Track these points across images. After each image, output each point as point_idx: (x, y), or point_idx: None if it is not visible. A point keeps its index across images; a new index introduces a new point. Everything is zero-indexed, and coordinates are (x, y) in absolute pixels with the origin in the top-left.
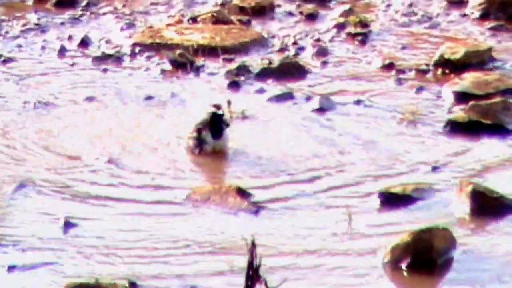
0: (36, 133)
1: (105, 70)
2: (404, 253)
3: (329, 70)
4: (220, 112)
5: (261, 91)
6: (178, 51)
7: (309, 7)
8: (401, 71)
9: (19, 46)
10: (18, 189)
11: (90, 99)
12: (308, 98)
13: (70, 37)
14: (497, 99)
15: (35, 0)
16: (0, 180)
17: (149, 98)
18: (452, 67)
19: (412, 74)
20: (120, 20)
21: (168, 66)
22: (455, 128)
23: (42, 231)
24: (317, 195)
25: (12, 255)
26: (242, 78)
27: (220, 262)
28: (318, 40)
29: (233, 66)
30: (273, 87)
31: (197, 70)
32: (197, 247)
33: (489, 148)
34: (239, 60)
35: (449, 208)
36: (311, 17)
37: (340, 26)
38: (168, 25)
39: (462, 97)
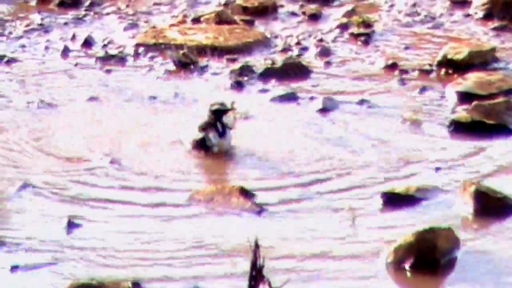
0: (39, 133)
1: (108, 71)
2: (408, 253)
3: (332, 70)
4: (223, 108)
5: (264, 91)
6: (181, 51)
7: (312, 7)
8: (404, 71)
9: (23, 46)
10: (21, 189)
11: (93, 99)
12: (312, 98)
13: (73, 37)
14: (500, 99)
15: (39, 0)
16: (3, 181)
17: (152, 98)
18: (455, 67)
19: (415, 74)
20: (123, 21)
21: (171, 66)
22: (458, 128)
23: (45, 231)
24: (321, 195)
25: (14, 255)
26: (245, 78)
27: (224, 264)
28: (321, 40)
29: (236, 66)
30: (276, 87)
31: (201, 70)
32: (200, 249)
33: (492, 148)
34: (242, 60)
35: (452, 209)
36: (314, 17)
37: (343, 26)
38: (171, 25)
39: (465, 97)
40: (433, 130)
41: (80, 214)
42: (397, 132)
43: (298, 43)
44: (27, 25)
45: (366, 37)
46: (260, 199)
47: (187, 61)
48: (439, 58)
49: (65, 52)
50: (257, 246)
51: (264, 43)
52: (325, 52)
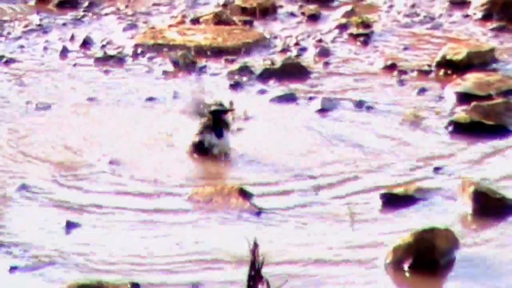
0: (37, 133)
1: (107, 71)
2: (406, 253)
3: (331, 70)
4: (222, 108)
5: (263, 92)
6: (180, 52)
7: (311, 8)
8: (403, 72)
9: (21, 47)
10: (20, 190)
11: (91, 99)
12: (310, 99)
13: (72, 38)
14: (499, 100)
15: (37, 1)
16: (2, 181)
17: (151, 99)
18: (454, 67)
19: (414, 74)
20: (122, 21)
21: (170, 67)
22: (457, 128)
23: (44, 232)
24: (321, 196)
25: (13, 256)
26: (244, 79)
27: (222, 270)
28: (320, 40)
29: (235, 67)
30: (275, 88)
31: (199, 71)
32: (199, 254)
33: (491, 149)
34: (241, 61)
35: (451, 209)
36: (313, 18)
37: (342, 27)
38: (170, 26)
39: (464, 97)
40: (432, 131)
41: (78, 215)
42: (395, 132)
43: (297, 44)
44: (26, 26)
45: (365, 38)
46: (258, 200)
47: (186, 62)
48: (438, 58)
49: (64, 52)
50: (255, 245)
51: (263, 43)
52: (324, 53)
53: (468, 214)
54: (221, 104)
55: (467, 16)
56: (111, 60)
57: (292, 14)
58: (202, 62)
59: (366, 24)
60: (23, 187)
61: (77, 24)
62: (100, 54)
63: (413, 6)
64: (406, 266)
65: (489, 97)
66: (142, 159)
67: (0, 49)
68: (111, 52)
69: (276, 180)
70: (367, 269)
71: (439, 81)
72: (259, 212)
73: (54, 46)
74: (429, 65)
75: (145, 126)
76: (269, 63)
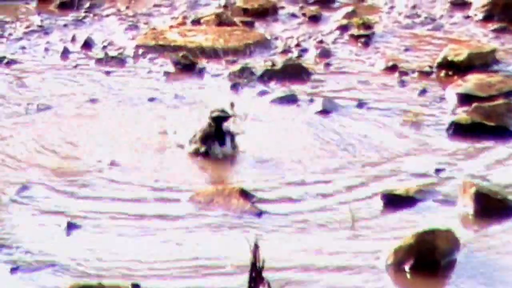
0: (38, 135)
1: (108, 72)
2: (408, 254)
3: (332, 71)
4: (224, 115)
5: (264, 93)
6: (181, 53)
7: (312, 9)
8: (404, 73)
9: (23, 48)
10: (21, 190)
11: (93, 101)
12: (311, 100)
13: (73, 39)
14: (500, 101)
15: (39, 2)
16: (3, 182)
17: (152, 100)
18: (455, 69)
19: (415, 75)
20: (123, 22)
21: (171, 68)
22: (458, 130)
23: (45, 232)
24: (321, 196)
25: (15, 256)
26: (245, 80)
27: (222, 276)
28: (321, 42)
29: (236, 68)
30: (276, 89)
31: (200, 72)
32: (198, 260)
33: (492, 150)
34: (242, 62)
35: (452, 210)
36: (314, 19)
37: (343, 28)
38: (171, 27)
39: (465, 99)
40: (433, 132)
41: (80, 214)
42: (396, 134)
43: (298, 45)
44: (27, 27)
45: (366, 39)
46: (259, 199)
47: (187, 63)
48: (439, 59)
49: (65, 53)
50: (256, 246)
51: (264, 44)
52: (325, 54)
53: (469, 215)
54: (223, 111)
55: (468, 17)
56: (112, 61)
57: (293, 15)
58: (203, 63)
59: (367, 25)
60: (23, 188)
61: (78, 25)
62: (101, 55)
63: (414, 7)
64: (407, 267)
65: (490, 98)
66: (143, 159)
67: (2, 50)
68: (112, 53)
69: (276, 180)
70: (368, 271)
71: (440, 82)
72: (260, 213)
73: (55, 47)
74: (430, 66)
75: (146, 126)
76: (270, 64)
